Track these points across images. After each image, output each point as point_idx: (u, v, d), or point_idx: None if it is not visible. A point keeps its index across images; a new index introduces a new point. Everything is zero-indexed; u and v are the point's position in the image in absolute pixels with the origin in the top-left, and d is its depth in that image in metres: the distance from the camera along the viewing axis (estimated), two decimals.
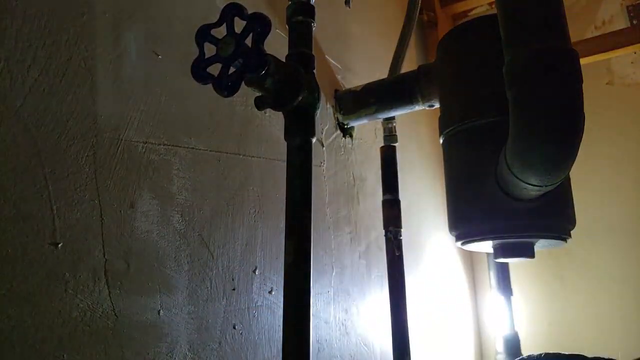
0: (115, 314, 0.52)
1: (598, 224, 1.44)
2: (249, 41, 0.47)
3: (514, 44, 0.56)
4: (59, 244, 0.48)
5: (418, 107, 0.91)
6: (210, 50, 0.50)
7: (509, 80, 0.56)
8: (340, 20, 1.12)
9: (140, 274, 0.55)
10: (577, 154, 0.53)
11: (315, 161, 0.93)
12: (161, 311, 0.57)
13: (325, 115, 0.98)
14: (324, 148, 0.96)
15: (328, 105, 1.00)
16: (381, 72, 1.02)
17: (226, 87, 0.44)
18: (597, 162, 1.47)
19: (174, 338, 0.58)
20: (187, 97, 0.66)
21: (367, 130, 1.13)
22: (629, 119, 1.49)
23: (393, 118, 1.06)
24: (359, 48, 1.17)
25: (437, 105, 0.87)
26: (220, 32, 0.50)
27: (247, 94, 0.76)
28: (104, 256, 0.52)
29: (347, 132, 1.04)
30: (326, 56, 1.03)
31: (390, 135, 1.06)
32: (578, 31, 1.57)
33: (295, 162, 0.54)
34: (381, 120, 1.07)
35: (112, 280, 0.52)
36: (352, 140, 1.06)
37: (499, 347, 1.32)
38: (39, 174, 0.47)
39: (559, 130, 0.51)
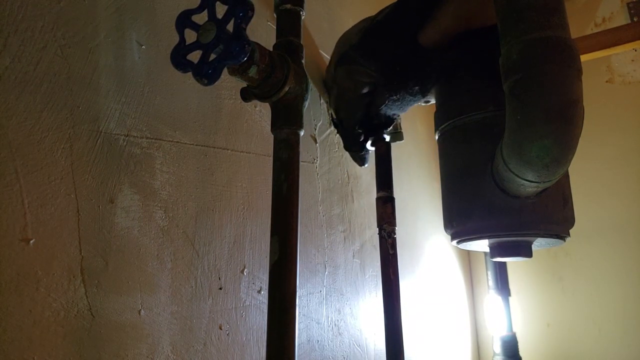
0: (91, 313, 0.49)
1: (598, 223, 1.42)
2: (232, 28, 0.45)
3: (510, 34, 0.53)
4: (30, 240, 0.45)
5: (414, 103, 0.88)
6: (192, 37, 0.48)
7: (504, 71, 0.54)
8: (335, 15, 1.09)
9: (119, 272, 0.53)
10: (576, 148, 0.51)
11: (308, 158, 0.91)
12: (142, 311, 0.54)
13: (318, 110, 0.96)
14: (317, 144, 0.94)
15: (322, 101, 0.98)
16: None
17: (206, 74, 0.42)
18: (596, 161, 1.45)
19: (155, 339, 0.55)
20: (172, 89, 0.63)
21: None
22: (630, 117, 1.46)
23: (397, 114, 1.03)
24: None
25: (433, 101, 0.85)
26: (203, 18, 0.48)
27: (235, 87, 0.73)
28: (80, 253, 0.49)
29: None
30: (320, 51, 1.01)
31: (395, 133, 1.03)
32: (577, 29, 1.55)
33: (282, 155, 0.52)
34: None
35: (89, 279, 0.50)
36: None
37: (497, 348, 1.30)
38: (9, 167, 0.45)
39: (557, 122, 0.49)
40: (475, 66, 0.67)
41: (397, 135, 1.04)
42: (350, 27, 0.78)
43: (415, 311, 1.21)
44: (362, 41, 0.69)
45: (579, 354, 1.42)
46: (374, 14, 0.80)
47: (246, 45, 0.42)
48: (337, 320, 0.90)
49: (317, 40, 1.00)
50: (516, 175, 0.56)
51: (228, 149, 0.71)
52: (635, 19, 1.52)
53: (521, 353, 1.28)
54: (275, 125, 0.54)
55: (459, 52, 0.67)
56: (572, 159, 0.52)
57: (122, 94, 0.57)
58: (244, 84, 0.54)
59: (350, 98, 0.76)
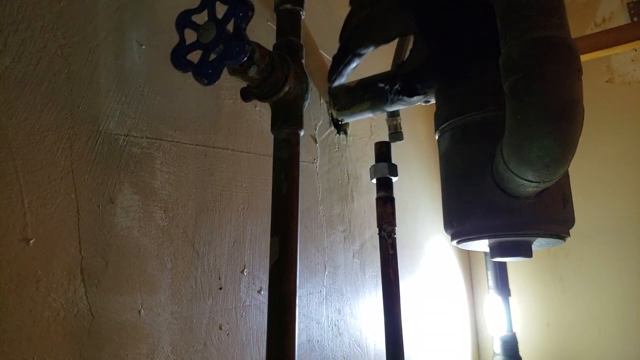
0: (91, 313, 0.49)
1: (597, 223, 1.42)
2: (232, 28, 0.45)
3: (511, 34, 0.53)
4: (30, 240, 0.45)
5: (414, 103, 0.88)
6: (192, 37, 0.48)
7: (505, 71, 0.54)
8: (336, 15, 1.09)
9: (119, 272, 0.53)
10: (576, 148, 0.51)
11: (308, 158, 0.91)
12: (142, 311, 0.54)
13: (318, 110, 0.96)
14: (318, 144, 0.94)
15: (322, 101, 0.98)
16: (377, 68, 1.00)
17: (206, 74, 0.42)
18: (596, 161, 1.45)
19: (155, 339, 0.55)
20: (172, 89, 0.63)
21: (363, 126, 1.11)
22: (629, 117, 1.46)
23: (398, 114, 1.03)
24: None
25: (433, 101, 0.85)
26: (203, 18, 0.48)
27: (235, 87, 0.73)
28: (80, 253, 0.49)
29: (341, 128, 1.02)
30: (320, 50, 1.01)
31: (395, 132, 1.03)
32: (577, 29, 1.55)
33: (282, 155, 0.52)
34: (381, 115, 1.05)
35: (89, 279, 0.50)
36: (346, 137, 1.04)
37: (497, 348, 1.30)
38: (9, 167, 0.45)
39: (557, 122, 0.48)
40: None
41: (397, 135, 1.04)
42: None
43: (415, 311, 1.21)
44: None
45: (579, 354, 1.42)
46: None
47: (246, 45, 0.42)
48: (337, 320, 0.90)
49: (317, 40, 1.00)
50: (516, 175, 0.56)
51: (228, 149, 0.71)
52: (635, 19, 1.52)
53: (521, 353, 1.28)
54: (275, 125, 0.54)
55: None
56: (572, 158, 0.52)
57: (122, 94, 0.57)
58: (244, 84, 0.54)
59: (374, 33, 0.74)
